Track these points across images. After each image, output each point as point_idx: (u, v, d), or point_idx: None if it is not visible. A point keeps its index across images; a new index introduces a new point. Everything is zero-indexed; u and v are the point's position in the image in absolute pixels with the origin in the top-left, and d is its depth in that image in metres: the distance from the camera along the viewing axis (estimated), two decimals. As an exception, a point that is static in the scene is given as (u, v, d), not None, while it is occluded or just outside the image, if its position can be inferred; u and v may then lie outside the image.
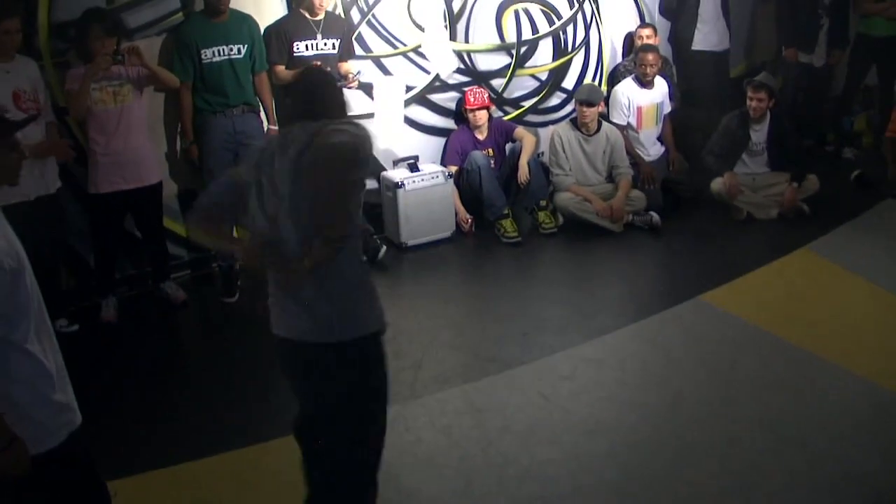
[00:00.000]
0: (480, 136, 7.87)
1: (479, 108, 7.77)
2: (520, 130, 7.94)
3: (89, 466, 3.19)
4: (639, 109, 8.11)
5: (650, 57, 8.02)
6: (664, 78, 8.28)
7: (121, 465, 4.58)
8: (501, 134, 7.93)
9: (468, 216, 7.73)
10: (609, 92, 8.45)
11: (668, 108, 8.38)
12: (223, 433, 4.86)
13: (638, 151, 8.18)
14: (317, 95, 3.39)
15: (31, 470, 2.84)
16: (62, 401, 2.99)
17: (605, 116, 8.08)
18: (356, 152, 3.25)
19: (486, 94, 7.88)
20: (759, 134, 7.82)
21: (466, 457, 4.57)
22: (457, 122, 8.10)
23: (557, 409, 4.96)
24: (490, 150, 7.84)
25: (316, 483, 3.58)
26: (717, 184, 7.81)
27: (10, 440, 2.77)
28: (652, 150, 8.31)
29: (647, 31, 8.45)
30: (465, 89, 7.95)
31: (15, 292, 2.81)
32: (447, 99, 8.03)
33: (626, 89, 8.13)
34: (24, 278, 2.85)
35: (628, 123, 8.15)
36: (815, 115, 9.54)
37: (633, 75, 8.19)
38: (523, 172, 7.66)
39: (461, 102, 7.96)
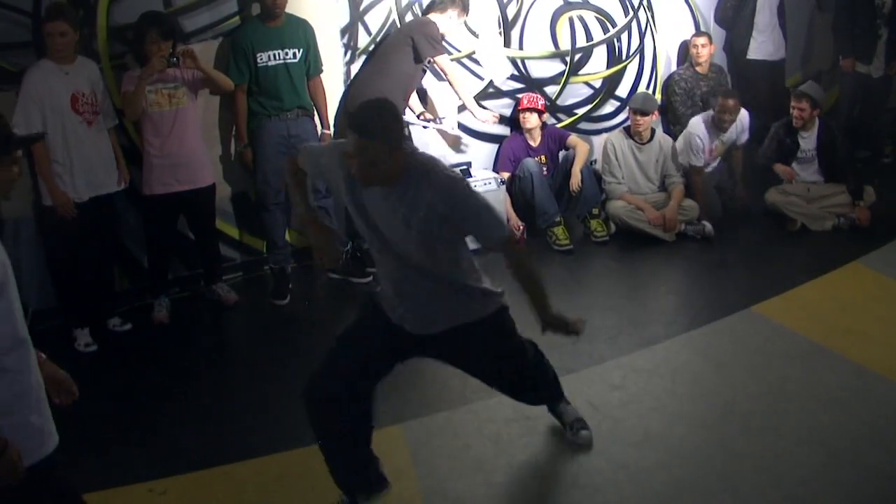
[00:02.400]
0: (533, 143, 7.85)
1: (529, 110, 7.73)
2: (573, 138, 7.90)
3: (63, 493, 3.13)
4: (709, 149, 7.99)
5: (731, 103, 7.74)
6: (746, 109, 8.05)
7: (170, 463, 4.63)
8: (555, 141, 7.90)
9: (520, 223, 7.71)
10: (665, 101, 8.43)
11: (743, 140, 8.16)
12: (272, 434, 4.89)
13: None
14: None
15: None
16: (37, 423, 2.93)
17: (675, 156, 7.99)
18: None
19: (541, 100, 7.85)
20: (807, 141, 7.76)
21: (514, 464, 4.57)
22: (512, 129, 8.09)
23: (606, 418, 4.93)
24: (543, 158, 7.82)
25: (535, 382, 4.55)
26: (772, 194, 7.74)
27: (3, 447, 2.74)
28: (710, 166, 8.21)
29: (701, 40, 8.40)
30: (521, 94, 7.94)
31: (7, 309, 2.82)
32: (501, 105, 8.02)
33: (700, 132, 7.86)
34: (8, 292, 2.83)
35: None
36: (873, 127, 9.43)
37: (710, 116, 7.93)
38: (576, 180, 7.62)
39: (517, 107, 7.95)
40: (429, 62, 7.03)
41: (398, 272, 3.84)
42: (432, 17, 7.07)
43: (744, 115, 7.97)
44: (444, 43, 7.14)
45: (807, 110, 7.57)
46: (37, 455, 2.91)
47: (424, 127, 7.50)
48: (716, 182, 8.13)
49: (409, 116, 7.28)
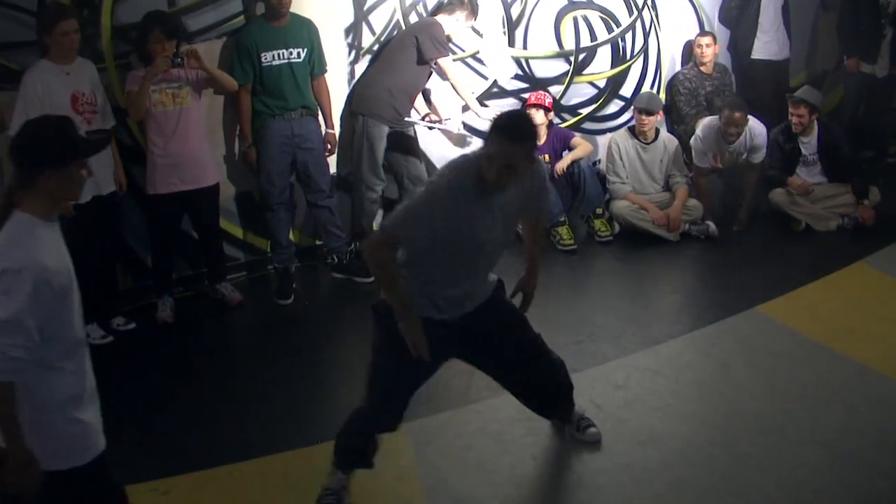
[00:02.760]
0: (538, 142, 7.81)
1: (534, 106, 7.68)
2: (577, 139, 7.88)
3: (110, 491, 3.24)
4: (714, 156, 7.91)
5: (737, 116, 7.55)
6: (762, 123, 7.84)
7: (173, 463, 4.64)
8: (560, 141, 7.88)
9: None
10: (669, 101, 8.43)
11: (756, 159, 7.87)
12: (276, 434, 4.90)
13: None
14: None
15: (53, 485, 2.93)
16: (90, 421, 3.05)
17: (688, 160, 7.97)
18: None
19: (549, 97, 7.82)
20: (808, 145, 7.73)
21: (517, 464, 4.57)
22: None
23: (610, 418, 4.93)
24: (547, 157, 7.80)
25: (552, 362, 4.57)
26: (776, 195, 7.74)
27: (28, 462, 2.86)
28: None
29: (706, 40, 8.39)
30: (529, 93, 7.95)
31: (61, 313, 2.86)
32: (505, 105, 8.00)
33: (702, 135, 7.79)
34: (71, 297, 2.91)
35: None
36: (877, 127, 9.41)
37: (717, 127, 7.74)
38: (562, 164, 7.64)
39: (525, 104, 7.91)
40: (433, 63, 7.02)
41: (475, 273, 4.02)
42: (439, 18, 7.06)
43: (759, 131, 7.74)
44: (449, 45, 7.13)
45: (805, 116, 7.54)
46: (93, 452, 3.05)
47: (430, 128, 7.50)
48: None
49: (413, 117, 7.28)
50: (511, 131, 3.70)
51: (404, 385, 4.10)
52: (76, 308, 2.99)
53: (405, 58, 6.93)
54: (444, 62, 6.99)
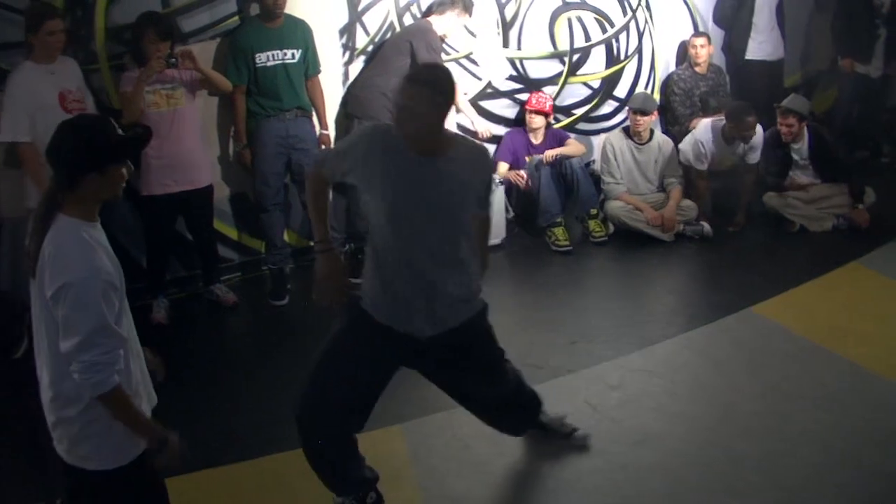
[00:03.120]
0: (535, 141, 7.84)
1: (536, 112, 7.75)
2: (572, 141, 7.92)
3: (157, 478, 3.31)
4: (712, 156, 7.91)
5: (751, 121, 7.57)
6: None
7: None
8: (556, 142, 7.88)
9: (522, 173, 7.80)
10: (663, 101, 8.44)
11: (753, 159, 7.91)
12: (270, 435, 4.89)
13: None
14: None
15: (104, 486, 3.07)
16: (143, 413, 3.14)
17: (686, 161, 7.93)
18: None
19: (550, 103, 7.85)
20: (799, 151, 7.74)
21: (513, 464, 4.58)
22: (514, 125, 8.12)
23: (605, 418, 4.94)
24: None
25: (509, 403, 4.46)
26: (771, 197, 7.74)
27: (166, 440, 3.10)
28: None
29: (700, 40, 8.41)
30: (531, 92, 7.96)
31: (120, 311, 2.97)
32: (499, 106, 8.03)
33: (706, 139, 7.79)
34: (121, 295, 2.99)
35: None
36: (871, 127, 9.44)
37: (720, 125, 7.78)
38: (550, 153, 7.62)
39: (524, 105, 7.95)
40: None
41: (418, 264, 3.77)
42: (432, 19, 7.06)
43: (757, 131, 7.74)
44: (444, 45, 7.13)
45: (795, 125, 7.52)
46: (138, 450, 3.11)
47: None
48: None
49: None
50: (420, 73, 3.82)
51: (341, 376, 3.89)
52: (125, 306, 3.05)
53: (400, 61, 6.91)
54: None
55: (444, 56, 7.12)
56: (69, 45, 5.88)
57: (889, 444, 4.57)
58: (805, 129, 7.67)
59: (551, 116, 7.90)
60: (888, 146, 9.58)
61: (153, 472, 3.22)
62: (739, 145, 7.75)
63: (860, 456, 4.48)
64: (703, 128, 7.85)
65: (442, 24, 7.06)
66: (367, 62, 7.27)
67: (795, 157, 7.73)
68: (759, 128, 7.72)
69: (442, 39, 7.07)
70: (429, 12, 7.20)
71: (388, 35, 7.33)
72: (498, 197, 7.50)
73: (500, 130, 8.06)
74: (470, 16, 7.21)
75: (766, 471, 4.41)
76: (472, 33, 7.69)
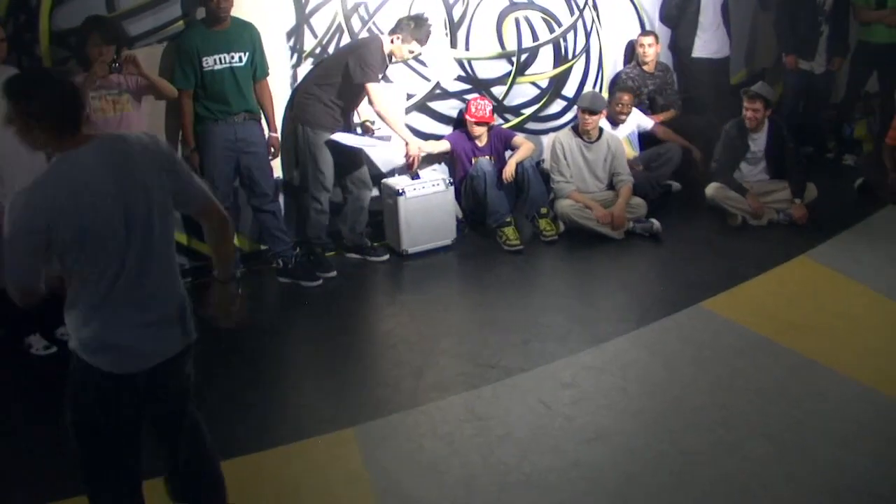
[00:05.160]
0: (479, 144, 7.86)
1: (478, 123, 7.78)
2: (518, 138, 7.93)
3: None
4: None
5: (626, 98, 8.25)
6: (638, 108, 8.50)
7: (150, 464, 4.59)
8: (501, 141, 7.91)
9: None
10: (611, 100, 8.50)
11: (647, 126, 8.57)
12: (223, 439, 4.86)
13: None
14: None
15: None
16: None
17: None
18: None
19: (491, 109, 7.85)
20: (757, 143, 7.84)
21: (468, 464, 4.57)
22: (455, 127, 8.12)
23: (558, 416, 4.96)
24: (490, 158, 7.83)
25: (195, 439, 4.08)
26: (712, 188, 7.84)
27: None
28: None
29: (648, 39, 8.49)
30: (470, 98, 7.94)
31: None
32: (448, 107, 8.04)
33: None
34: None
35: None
36: (816, 122, 9.56)
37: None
38: (509, 170, 7.64)
39: (465, 111, 7.93)
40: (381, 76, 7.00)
41: (144, 277, 3.57)
42: (384, 37, 7.05)
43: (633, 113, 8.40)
44: (385, 64, 7.07)
45: (760, 111, 7.67)
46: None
47: (380, 139, 7.43)
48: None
49: (358, 139, 7.26)
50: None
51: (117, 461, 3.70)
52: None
53: (340, 76, 6.90)
54: (371, 87, 6.90)
55: (378, 79, 7.01)
56: (11, 52, 5.82)
57: (837, 436, 4.61)
58: (767, 120, 7.79)
59: (493, 122, 7.94)
60: (832, 141, 9.70)
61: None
62: (624, 128, 8.27)
63: (809, 447, 4.53)
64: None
65: (392, 44, 7.00)
66: (314, 66, 7.25)
67: (753, 147, 7.85)
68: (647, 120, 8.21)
69: (389, 57, 7.03)
70: (393, 29, 7.11)
71: (336, 38, 7.35)
72: (448, 198, 7.51)
73: (447, 130, 8.10)
74: (420, 44, 7.09)
75: (718, 465, 4.44)
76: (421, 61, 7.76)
